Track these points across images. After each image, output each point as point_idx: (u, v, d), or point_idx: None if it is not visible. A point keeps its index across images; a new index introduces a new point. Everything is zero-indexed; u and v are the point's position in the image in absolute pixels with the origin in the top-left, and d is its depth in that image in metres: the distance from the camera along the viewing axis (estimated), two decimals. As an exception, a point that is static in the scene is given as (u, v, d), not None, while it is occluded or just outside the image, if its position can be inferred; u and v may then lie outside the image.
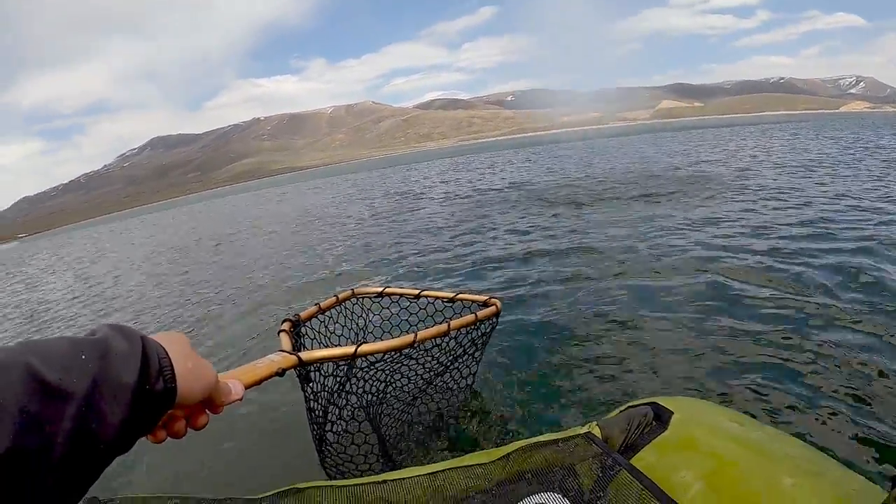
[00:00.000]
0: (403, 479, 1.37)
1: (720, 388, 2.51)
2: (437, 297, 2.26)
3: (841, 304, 3.37)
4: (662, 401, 1.41)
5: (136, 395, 0.46)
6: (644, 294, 3.99)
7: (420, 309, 2.27)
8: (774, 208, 6.95)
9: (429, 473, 1.39)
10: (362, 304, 2.33)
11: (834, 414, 2.21)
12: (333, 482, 1.35)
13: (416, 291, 2.25)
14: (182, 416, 0.60)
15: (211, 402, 0.62)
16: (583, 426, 1.48)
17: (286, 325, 1.77)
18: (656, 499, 1.24)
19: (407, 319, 2.28)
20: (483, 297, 2.17)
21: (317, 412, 1.79)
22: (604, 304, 3.84)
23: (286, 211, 18.43)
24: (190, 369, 0.54)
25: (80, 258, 17.73)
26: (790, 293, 3.65)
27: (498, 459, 1.43)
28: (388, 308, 2.33)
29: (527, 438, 1.47)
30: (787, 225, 5.86)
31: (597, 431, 1.43)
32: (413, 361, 1.92)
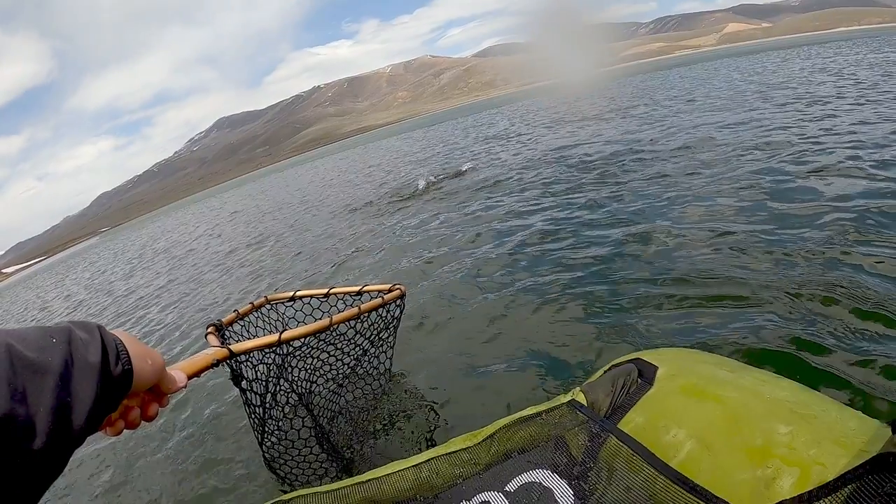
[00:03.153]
0: (388, 475, 1.32)
1: (705, 336, 2.29)
2: (345, 293, 2.38)
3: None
4: (646, 355, 1.28)
5: (102, 374, 0.52)
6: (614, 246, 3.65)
7: (331, 306, 2.35)
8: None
9: (413, 465, 1.33)
10: (277, 310, 2.42)
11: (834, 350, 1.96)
12: (317, 488, 1.32)
13: (325, 290, 2.36)
14: (136, 405, 0.67)
15: (159, 389, 0.69)
16: (567, 393, 1.36)
17: (211, 329, 1.88)
18: (647, 463, 1.13)
19: (321, 318, 2.38)
20: (387, 286, 2.29)
21: (255, 407, 1.88)
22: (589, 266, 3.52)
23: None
24: (142, 355, 0.61)
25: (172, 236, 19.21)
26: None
27: (482, 441, 1.35)
28: (301, 310, 2.40)
29: (511, 414, 1.38)
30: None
31: (581, 398, 1.31)
32: (332, 347, 2.05)
